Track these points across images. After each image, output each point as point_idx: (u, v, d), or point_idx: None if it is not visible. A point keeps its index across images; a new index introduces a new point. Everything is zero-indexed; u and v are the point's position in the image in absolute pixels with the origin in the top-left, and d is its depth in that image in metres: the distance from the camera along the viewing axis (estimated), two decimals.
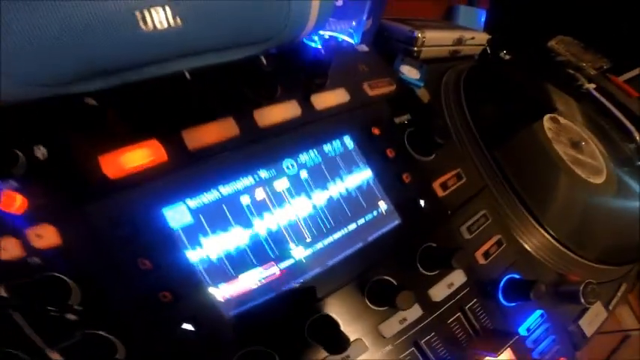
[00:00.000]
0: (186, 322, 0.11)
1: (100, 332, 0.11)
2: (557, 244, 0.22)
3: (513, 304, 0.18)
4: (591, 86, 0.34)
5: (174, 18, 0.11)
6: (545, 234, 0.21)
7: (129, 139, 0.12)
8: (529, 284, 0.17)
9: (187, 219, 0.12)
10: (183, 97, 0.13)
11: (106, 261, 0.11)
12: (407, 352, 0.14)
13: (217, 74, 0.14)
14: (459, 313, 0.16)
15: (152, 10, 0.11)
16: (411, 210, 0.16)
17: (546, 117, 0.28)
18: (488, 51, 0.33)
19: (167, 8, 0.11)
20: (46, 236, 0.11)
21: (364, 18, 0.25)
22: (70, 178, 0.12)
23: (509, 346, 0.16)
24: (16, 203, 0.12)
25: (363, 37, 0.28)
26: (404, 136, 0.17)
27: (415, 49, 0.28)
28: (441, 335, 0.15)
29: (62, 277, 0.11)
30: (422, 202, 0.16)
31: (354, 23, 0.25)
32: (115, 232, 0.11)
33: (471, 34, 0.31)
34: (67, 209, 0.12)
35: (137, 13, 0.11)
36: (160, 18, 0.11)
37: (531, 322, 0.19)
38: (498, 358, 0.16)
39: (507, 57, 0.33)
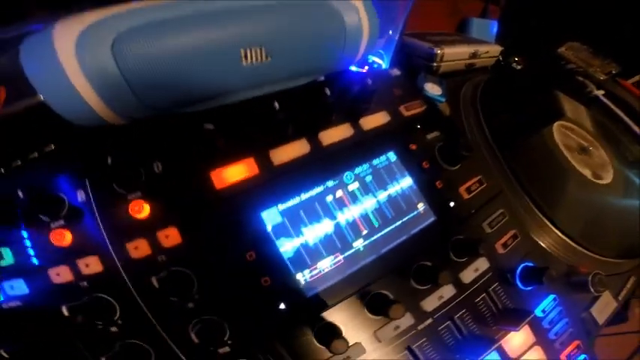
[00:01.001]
0: (280, 302, 0.16)
1: (214, 317, 0.15)
2: (568, 240, 0.26)
3: (529, 288, 0.22)
4: (600, 92, 0.39)
5: (266, 56, 0.16)
6: (556, 231, 0.26)
7: (231, 158, 0.17)
8: (541, 270, 0.21)
9: (278, 219, 0.17)
10: (269, 124, 0.18)
11: (219, 255, 0.16)
12: (444, 325, 0.19)
13: (293, 102, 0.19)
14: (484, 294, 0.20)
15: (252, 49, 0.16)
16: (444, 210, 0.21)
17: (556, 124, 0.33)
18: (502, 62, 0.37)
19: (263, 48, 0.16)
20: (171, 236, 0.16)
21: (396, 37, 0.30)
22: (188, 189, 0.17)
23: (527, 323, 0.21)
24: (144, 211, 0.16)
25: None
26: (435, 150, 0.22)
27: (435, 64, 0.33)
28: (471, 312, 0.20)
29: (185, 270, 0.15)
30: (452, 203, 0.21)
31: (383, 41, 0.30)
32: (225, 231, 0.16)
33: (486, 47, 0.35)
34: (187, 213, 0.16)
35: (242, 51, 0.15)
36: (256, 55, 0.16)
37: (546, 305, 0.23)
38: (520, 334, 0.21)
39: (519, 67, 0.38)
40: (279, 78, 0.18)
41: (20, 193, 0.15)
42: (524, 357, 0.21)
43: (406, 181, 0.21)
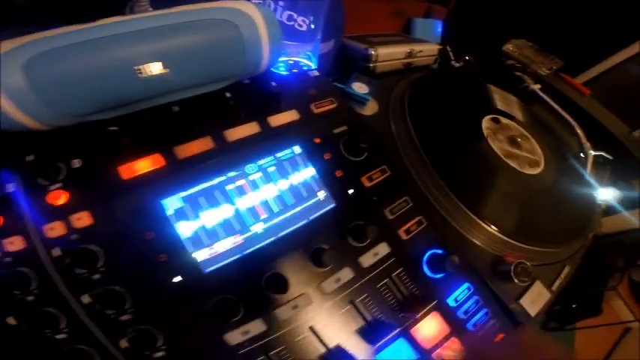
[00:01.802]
0: (176, 276, 0.19)
1: (116, 288, 0.18)
2: (497, 232, 0.28)
3: (438, 275, 0.24)
4: (537, 87, 0.42)
5: (163, 68, 0.20)
6: (484, 224, 0.27)
7: (139, 153, 0.21)
8: (444, 256, 0.23)
9: (179, 205, 0.20)
10: (174, 124, 0.22)
11: (122, 233, 0.19)
12: (345, 309, 0.21)
13: (197, 106, 0.23)
14: (387, 279, 0.22)
15: (148, 65, 0.19)
16: (343, 197, 0.24)
17: (486, 118, 0.36)
18: (446, 59, 0.41)
19: (159, 62, 0.19)
20: (83, 219, 0.19)
21: (319, 41, 0.34)
22: (100, 180, 0.20)
23: (434, 311, 0.22)
24: (62, 199, 0.20)
25: (326, 58, 0.37)
26: (340, 143, 0.25)
27: (371, 65, 0.37)
28: (373, 297, 0.22)
29: (92, 247, 0.18)
30: (350, 191, 0.24)
31: (313, 45, 0.34)
32: (129, 214, 0.19)
33: (421, 46, 0.39)
34: (97, 200, 0.19)
35: (136, 68, 0.19)
36: (153, 68, 0.19)
37: (458, 294, 0.25)
38: (430, 324, 0.22)
39: (458, 64, 0.41)
40: (181, 86, 0.21)
41: None
42: (441, 349, 0.22)
43: (309, 171, 0.24)
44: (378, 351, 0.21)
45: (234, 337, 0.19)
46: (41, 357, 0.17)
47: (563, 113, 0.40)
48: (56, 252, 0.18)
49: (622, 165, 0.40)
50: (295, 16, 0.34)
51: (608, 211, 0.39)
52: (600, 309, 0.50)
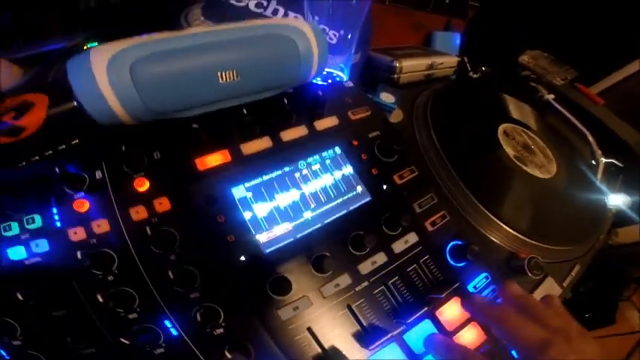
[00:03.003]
0: (242, 255, 0.24)
1: (190, 267, 0.23)
2: (513, 231, 0.33)
3: (460, 264, 0.29)
4: (551, 97, 0.48)
5: (237, 76, 0.26)
6: (501, 223, 0.33)
7: (211, 149, 0.27)
8: (465, 247, 0.28)
9: (244, 193, 0.26)
10: (240, 124, 0.28)
11: (197, 216, 0.24)
12: (379, 290, 0.26)
13: (259, 109, 0.29)
14: (415, 264, 0.28)
15: (226, 72, 0.25)
16: (377, 191, 0.29)
17: (502, 126, 0.42)
18: (459, 71, 0.47)
19: (234, 70, 0.25)
20: (163, 204, 0.25)
21: (352, 52, 0.40)
22: (177, 170, 0.26)
23: (456, 295, 0.27)
24: (145, 186, 0.25)
25: (354, 69, 0.43)
26: (374, 146, 0.31)
27: (395, 76, 0.43)
28: (403, 280, 0.27)
29: (171, 229, 0.23)
30: (384, 187, 0.29)
31: (344, 57, 0.40)
32: (203, 200, 0.25)
33: (442, 59, 0.46)
34: (176, 187, 0.25)
35: (218, 73, 0.25)
36: (230, 76, 0.25)
37: (477, 282, 0.30)
38: (452, 307, 0.27)
39: (475, 76, 0.48)
40: (249, 92, 0.28)
41: (57, 169, 0.24)
42: (461, 332, 0.26)
43: (348, 169, 0.30)
44: (407, 329, 0.26)
45: (286, 312, 0.23)
46: (111, 335, 0.21)
47: (576, 122, 0.46)
48: (139, 233, 0.23)
49: (634, 173, 0.45)
50: (327, 29, 0.41)
51: (624, 221, 0.44)
52: (614, 319, 0.54)
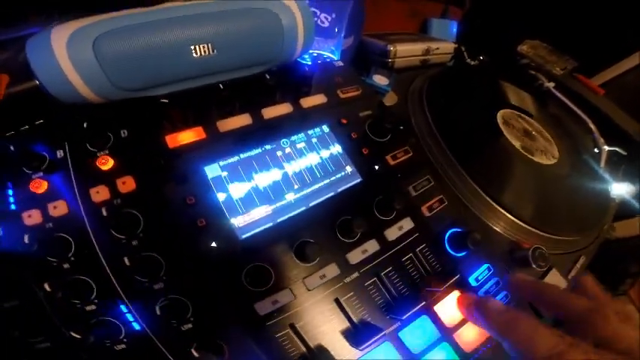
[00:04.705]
0: (213, 241, 0.21)
1: (153, 254, 0.19)
2: (515, 219, 0.30)
3: (460, 254, 0.26)
4: (551, 85, 0.45)
5: (212, 50, 0.23)
6: (503, 210, 0.29)
7: (184, 125, 0.24)
8: (466, 234, 0.25)
9: (218, 172, 0.23)
10: (217, 100, 0.25)
11: (164, 198, 0.21)
12: (370, 281, 0.23)
13: (238, 85, 0.26)
14: (410, 254, 0.24)
15: (200, 45, 0.23)
16: (369, 172, 0.26)
17: (501, 111, 0.39)
18: (456, 58, 0.44)
19: (209, 44, 0.23)
20: (127, 183, 0.22)
21: (342, 36, 0.37)
22: (146, 148, 0.23)
23: (457, 288, 0.24)
24: (109, 164, 0.22)
25: (346, 53, 0.40)
26: (365, 125, 0.28)
27: (389, 60, 0.40)
28: (398, 271, 0.23)
29: (134, 212, 0.20)
30: (376, 167, 0.26)
31: (335, 40, 0.37)
32: (172, 180, 0.22)
33: (437, 44, 0.43)
34: (143, 165, 0.22)
35: (192, 47, 0.22)
36: (204, 49, 0.23)
37: (479, 274, 0.26)
38: (452, 302, 0.23)
39: (473, 63, 0.45)
40: (226, 68, 0.25)
41: (11, 147, 0.21)
42: (462, 329, 0.23)
43: (336, 148, 0.26)
44: (401, 327, 0.22)
45: (264, 306, 0.20)
46: (67, 328, 0.18)
47: (577, 110, 0.43)
48: (99, 216, 0.20)
49: (636, 163, 0.42)
50: (318, 12, 0.38)
51: (623, 214, 0.41)
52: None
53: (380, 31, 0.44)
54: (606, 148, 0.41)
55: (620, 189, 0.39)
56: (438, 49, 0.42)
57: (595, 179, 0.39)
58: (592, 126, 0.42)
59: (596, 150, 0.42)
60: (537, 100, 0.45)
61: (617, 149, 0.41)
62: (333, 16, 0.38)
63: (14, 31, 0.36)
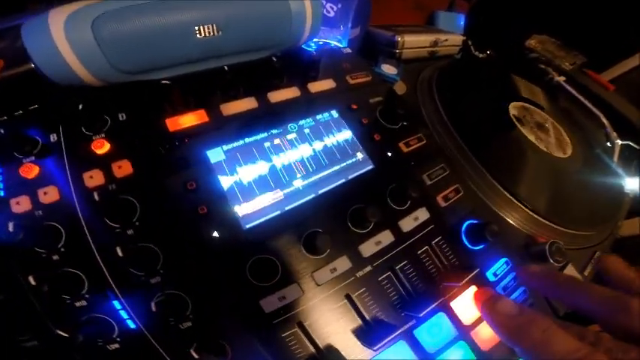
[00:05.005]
0: (216, 231, 0.19)
1: (150, 245, 0.18)
2: (531, 212, 0.29)
3: (478, 247, 0.24)
4: (561, 79, 0.44)
5: (217, 30, 0.22)
6: (518, 203, 0.28)
7: (186, 108, 0.22)
8: (484, 226, 0.23)
9: (221, 157, 0.21)
10: (222, 83, 0.24)
11: (164, 183, 0.20)
12: (384, 276, 0.21)
13: (244, 69, 0.24)
14: (426, 246, 0.23)
15: (205, 26, 0.21)
16: (381, 159, 0.25)
17: (513, 103, 0.37)
18: (464, 50, 0.43)
19: (214, 24, 0.22)
20: (124, 167, 0.20)
21: (349, 26, 0.36)
22: (144, 131, 0.21)
23: (475, 283, 0.22)
24: (104, 148, 0.20)
25: (353, 43, 0.39)
26: (376, 111, 0.27)
27: (397, 51, 0.39)
28: (413, 264, 0.22)
29: (130, 198, 0.19)
30: (389, 154, 0.25)
31: (341, 30, 0.36)
32: (172, 164, 0.20)
33: (446, 36, 0.42)
34: (141, 149, 0.20)
35: (196, 28, 0.21)
36: (209, 30, 0.21)
37: (497, 268, 0.25)
38: (470, 298, 0.22)
39: (482, 55, 0.44)
40: (231, 51, 0.24)
41: (1, 130, 0.19)
42: (480, 326, 0.21)
43: (346, 134, 0.25)
44: (416, 325, 0.20)
45: (270, 302, 0.18)
46: (55, 325, 0.16)
47: (589, 104, 0.42)
48: (92, 202, 0.19)
49: None
50: (325, 2, 0.37)
51: (630, 213, 0.39)
52: None
53: (386, 24, 0.44)
54: (619, 142, 0.40)
55: (633, 184, 0.37)
56: (446, 40, 0.41)
57: (608, 174, 0.37)
58: (604, 120, 0.41)
59: (608, 144, 0.41)
60: (548, 94, 0.44)
61: (630, 143, 0.40)
62: (339, 6, 0.37)
63: (12, 20, 0.35)
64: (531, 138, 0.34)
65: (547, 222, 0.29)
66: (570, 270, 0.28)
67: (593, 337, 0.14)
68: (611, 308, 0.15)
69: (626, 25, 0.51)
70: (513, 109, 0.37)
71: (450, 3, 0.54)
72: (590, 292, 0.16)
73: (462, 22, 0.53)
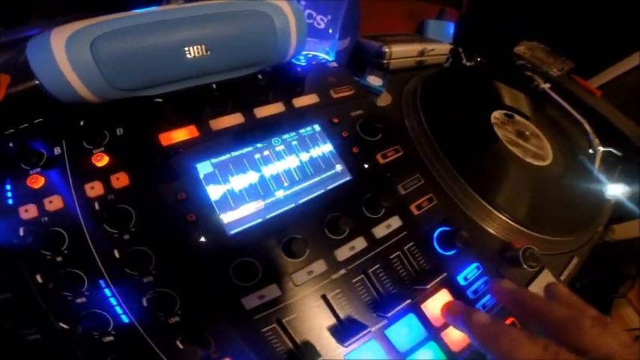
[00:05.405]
0: (203, 236, 0.21)
1: (144, 248, 0.20)
2: (508, 220, 0.30)
3: (449, 252, 0.26)
4: (546, 86, 0.45)
5: (206, 51, 0.23)
6: (495, 211, 0.29)
7: (177, 124, 0.24)
8: (453, 233, 0.25)
9: (210, 169, 0.23)
10: (210, 100, 0.25)
11: (156, 194, 0.22)
12: (358, 278, 0.23)
13: (231, 85, 0.26)
14: (398, 252, 0.24)
15: (195, 46, 0.23)
16: (358, 171, 0.26)
17: (495, 112, 0.38)
18: (451, 59, 0.44)
19: (203, 45, 0.23)
20: (121, 179, 0.22)
21: (337, 37, 0.37)
22: (140, 145, 0.23)
23: (444, 287, 0.24)
24: (104, 160, 0.22)
25: (343, 54, 0.40)
26: (357, 124, 0.28)
27: (385, 61, 0.40)
28: (385, 268, 0.23)
29: (127, 207, 0.21)
30: (366, 165, 0.26)
31: (330, 42, 0.37)
32: (164, 176, 0.22)
33: (433, 45, 0.43)
34: (136, 162, 0.22)
35: (185, 48, 0.23)
36: (198, 50, 0.23)
37: (468, 273, 0.26)
38: (440, 300, 0.23)
39: (469, 64, 0.44)
40: (220, 69, 0.25)
41: (10, 144, 0.21)
42: (449, 328, 0.23)
43: (327, 147, 0.27)
44: (387, 325, 0.22)
45: (251, 300, 0.20)
46: (57, 320, 0.18)
47: (572, 111, 0.43)
48: (93, 210, 0.21)
49: (632, 164, 0.41)
50: (314, 14, 0.38)
51: (621, 217, 0.40)
52: (609, 316, 0.50)
53: (376, 33, 0.44)
54: (601, 148, 0.40)
55: (615, 190, 0.38)
56: (433, 50, 0.42)
57: (589, 180, 0.38)
58: (587, 127, 0.42)
59: (590, 151, 0.41)
60: (533, 102, 0.44)
61: (611, 150, 0.41)
62: (329, 17, 0.38)
63: (16, 33, 0.37)
64: (511, 147, 0.35)
65: (523, 228, 0.30)
66: (546, 275, 0.29)
67: (555, 348, 0.16)
68: (568, 326, 0.17)
69: (617, 29, 0.51)
70: (494, 117, 0.38)
71: (439, 11, 0.55)
72: (551, 312, 0.18)
73: (452, 31, 0.54)
